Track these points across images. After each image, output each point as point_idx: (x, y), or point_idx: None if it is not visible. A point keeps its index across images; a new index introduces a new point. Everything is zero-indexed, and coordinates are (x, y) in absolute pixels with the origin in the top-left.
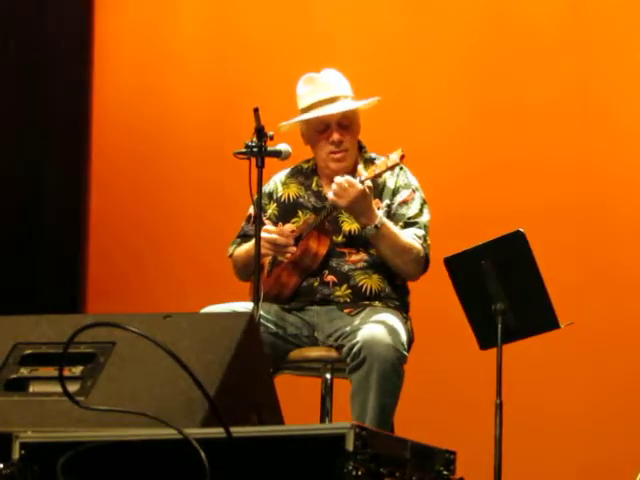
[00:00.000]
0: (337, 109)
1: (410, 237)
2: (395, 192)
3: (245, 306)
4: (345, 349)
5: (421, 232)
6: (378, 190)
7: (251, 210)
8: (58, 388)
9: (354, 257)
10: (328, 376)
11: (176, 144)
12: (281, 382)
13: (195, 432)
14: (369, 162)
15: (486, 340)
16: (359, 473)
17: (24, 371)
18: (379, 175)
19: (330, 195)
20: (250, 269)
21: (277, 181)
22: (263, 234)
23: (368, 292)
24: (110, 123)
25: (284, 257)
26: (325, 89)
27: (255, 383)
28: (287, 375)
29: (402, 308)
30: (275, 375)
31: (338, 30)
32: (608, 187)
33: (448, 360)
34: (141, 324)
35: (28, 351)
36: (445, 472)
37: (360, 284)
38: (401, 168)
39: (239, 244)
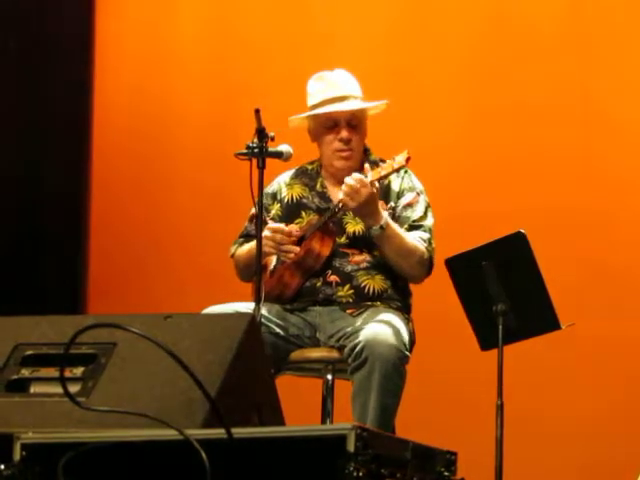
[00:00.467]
0: (348, 107)
1: (415, 239)
2: (400, 195)
3: (247, 306)
4: (347, 349)
5: (426, 235)
6: (383, 192)
7: (254, 210)
8: (59, 389)
9: (357, 258)
10: (329, 377)
11: (176, 144)
12: (282, 383)
13: (196, 433)
14: (374, 165)
15: (487, 341)
16: (360, 474)
17: (25, 372)
18: (385, 177)
19: (340, 195)
20: (252, 269)
21: (281, 182)
22: (266, 232)
23: (370, 293)
24: (110, 123)
25: (287, 257)
26: (336, 87)
27: (256, 384)
28: (288, 376)
29: (404, 309)
30: (276, 376)
31: (339, 31)
32: (609, 188)
33: (449, 361)
34: (142, 325)
35: (29, 352)
36: (446, 473)
37: (363, 284)
38: (406, 171)
39: (241, 244)
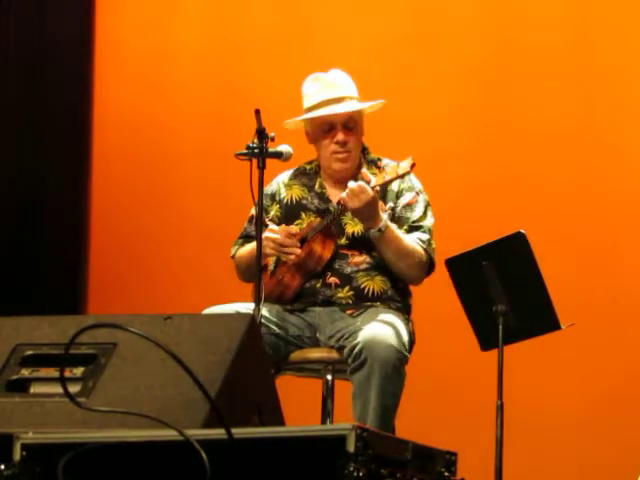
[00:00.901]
0: (344, 109)
1: (414, 241)
2: (399, 195)
3: (247, 307)
4: (346, 350)
5: (425, 236)
6: (382, 192)
7: (253, 211)
8: (59, 389)
9: (357, 259)
10: (329, 377)
11: (177, 145)
12: (282, 383)
13: (196, 433)
14: (372, 164)
15: (487, 341)
16: (360, 474)
17: (25, 372)
18: (389, 182)
19: (342, 195)
20: (253, 270)
21: (280, 182)
22: (267, 234)
23: (370, 294)
24: (110, 123)
25: (288, 259)
26: (332, 89)
27: (256, 384)
28: (288, 376)
29: (404, 310)
30: (276, 376)
31: (339, 31)
32: (609, 189)
33: (449, 361)
34: (142, 325)
35: (29, 352)
36: (446, 473)
37: (362, 286)
38: None
39: (241, 245)
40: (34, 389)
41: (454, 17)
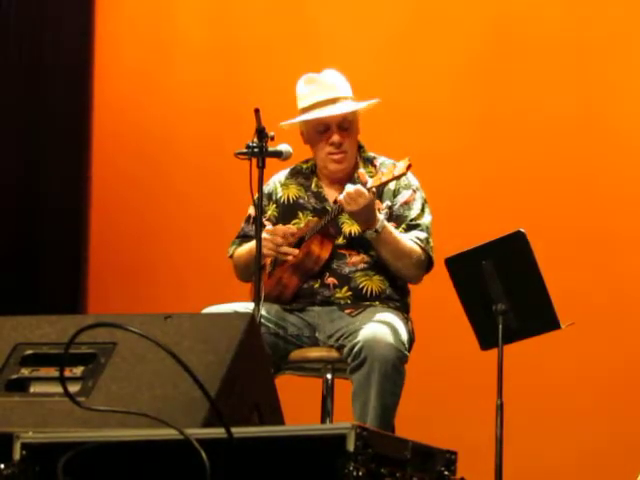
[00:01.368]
0: (338, 110)
1: (411, 241)
2: (396, 193)
3: (246, 306)
4: (346, 349)
5: (423, 235)
6: (378, 191)
7: (250, 210)
8: (59, 388)
9: (355, 258)
10: (329, 376)
11: (177, 145)
12: (282, 382)
13: (196, 432)
14: (368, 162)
15: (487, 340)
16: (360, 473)
17: (25, 371)
18: (385, 183)
19: (340, 198)
20: (251, 270)
21: (276, 182)
22: (265, 235)
23: (369, 294)
24: (110, 123)
25: (286, 259)
26: (326, 90)
27: (256, 383)
28: (288, 375)
29: (403, 308)
30: (276, 375)
31: (339, 31)
32: (609, 188)
33: (449, 360)
34: (142, 324)
35: (29, 351)
36: (446, 472)
37: (361, 286)
38: None
39: (239, 244)
40: (34, 388)
41: (451, 13)
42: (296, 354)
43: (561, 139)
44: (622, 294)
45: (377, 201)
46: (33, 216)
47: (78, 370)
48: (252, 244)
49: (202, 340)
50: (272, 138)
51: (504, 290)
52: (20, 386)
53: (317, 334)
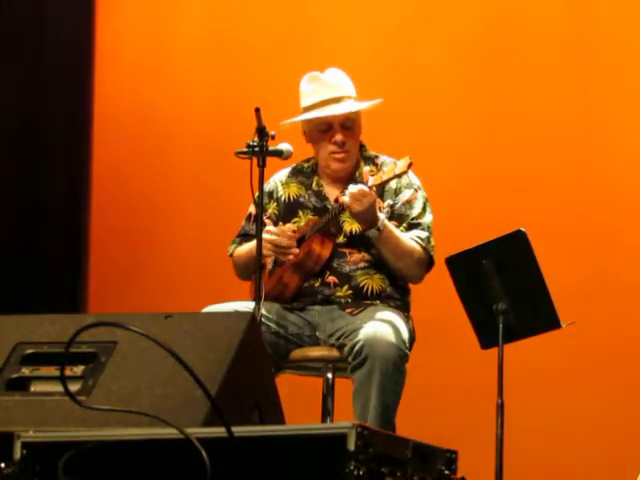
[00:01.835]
0: (341, 110)
1: (412, 240)
2: (397, 192)
3: (247, 305)
4: (347, 348)
5: (424, 234)
6: (380, 189)
7: (251, 209)
8: (59, 388)
9: (355, 257)
10: (329, 375)
11: (177, 145)
12: (282, 381)
13: (196, 431)
14: (369, 161)
15: (487, 340)
16: (360, 473)
17: (25, 371)
18: (386, 182)
19: (343, 198)
20: (251, 269)
21: (277, 181)
22: (265, 235)
23: (369, 293)
24: (110, 123)
25: (286, 259)
26: (329, 89)
27: (256, 382)
28: (288, 374)
29: (403, 308)
30: (276, 374)
31: (339, 29)
32: (610, 187)
33: (449, 360)
34: (142, 324)
35: (29, 351)
36: (447, 472)
37: (361, 285)
38: None
39: (239, 243)
40: (34, 388)
41: (452, 12)
42: (297, 353)
43: (562, 138)
44: (622, 294)
45: (378, 200)
46: (33, 216)
47: (78, 369)
48: (252, 243)
49: (202, 339)
50: (273, 137)
51: (504, 289)
52: (20, 385)
53: (318, 333)
